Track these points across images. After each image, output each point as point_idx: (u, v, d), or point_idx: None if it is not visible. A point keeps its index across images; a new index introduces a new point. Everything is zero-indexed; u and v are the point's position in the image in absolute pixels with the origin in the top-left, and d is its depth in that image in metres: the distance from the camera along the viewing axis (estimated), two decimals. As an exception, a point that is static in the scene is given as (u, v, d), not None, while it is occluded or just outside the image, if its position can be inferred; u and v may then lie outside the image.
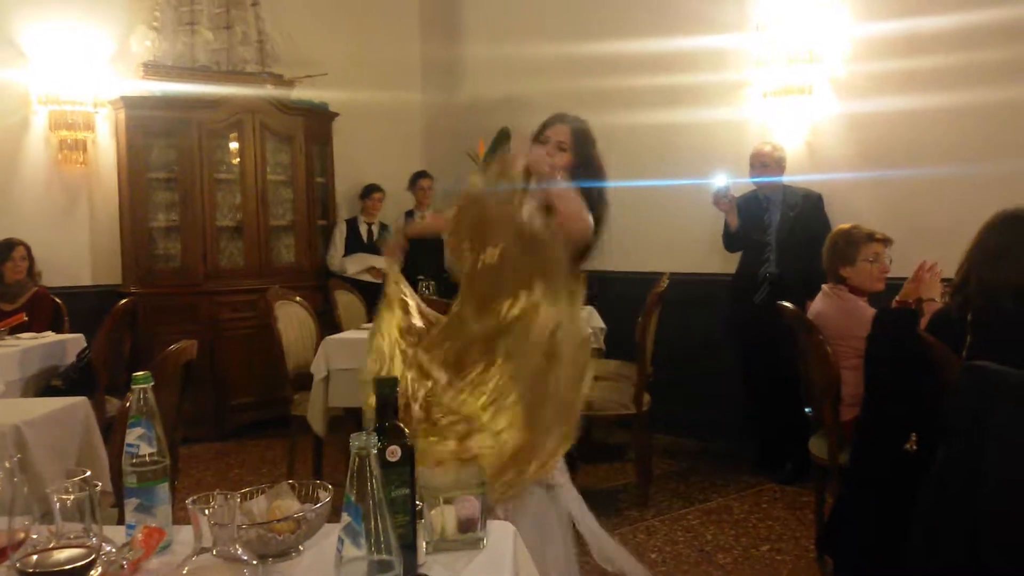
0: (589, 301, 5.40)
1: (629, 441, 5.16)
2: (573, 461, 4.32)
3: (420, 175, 6.77)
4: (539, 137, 2.84)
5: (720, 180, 4.82)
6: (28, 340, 4.57)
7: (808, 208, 4.81)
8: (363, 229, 6.71)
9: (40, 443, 2.58)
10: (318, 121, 6.65)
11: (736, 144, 5.17)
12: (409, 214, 6.76)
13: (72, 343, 4.76)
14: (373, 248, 6.63)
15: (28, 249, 5.15)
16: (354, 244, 6.64)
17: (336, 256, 6.62)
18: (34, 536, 1.21)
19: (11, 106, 5.87)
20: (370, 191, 6.72)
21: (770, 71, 5.13)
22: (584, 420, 4.33)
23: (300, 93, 6.59)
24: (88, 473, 1.31)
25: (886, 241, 3.67)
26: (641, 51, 5.66)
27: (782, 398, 4.55)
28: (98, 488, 1.27)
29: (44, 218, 5.95)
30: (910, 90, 4.68)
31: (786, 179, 4.90)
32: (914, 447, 2.87)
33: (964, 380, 2.48)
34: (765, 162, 4.83)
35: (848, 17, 4.91)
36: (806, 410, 3.90)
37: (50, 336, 4.75)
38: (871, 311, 3.43)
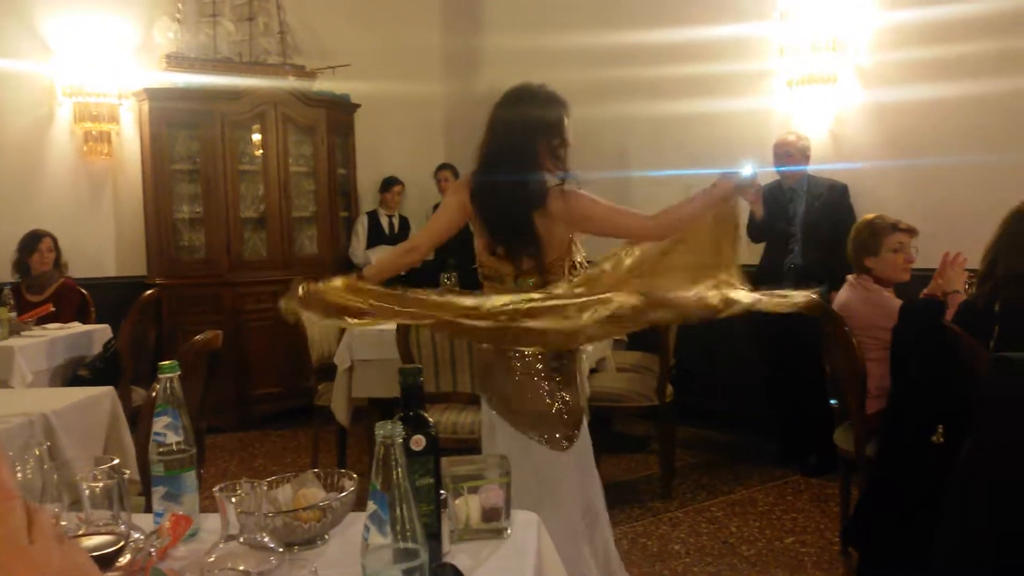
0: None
1: (652, 432, 5.14)
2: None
3: (443, 167, 6.77)
4: (564, 141, 2.65)
5: (747, 169, 4.77)
6: (55, 330, 4.63)
7: (833, 198, 4.77)
8: (384, 222, 6.72)
9: (68, 432, 2.61)
10: (340, 112, 6.67)
11: (760, 134, 5.12)
12: (435, 207, 6.78)
13: (98, 333, 4.81)
14: (396, 240, 6.63)
15: (54, 240, 5.19)
16: (376, 237, 6.65)
17: (359, 248, 6.63)
18: (64, 523, 1.22)
19: (36, 98, 5.92)
20: (389, 184, 6.72)
21: (794, 60, 5.08)
22: (605, 411, 4.35)
23: (322, 84, 6.60)
24: (116, 461, 1.32)
25: (910, 231, 3.62)
26: (664, 40, 5.63)
27: (806, 390, 4.52)
28: (126, 476, 1.28)
29: (70, 209, 6.01)
30: (936, 78, 4.62)
31: (811, 169, 4.85)
32: (941, 439, 2.84)
33: (992, 371, 2.45)
34: (789, 152, 4.78)
35: (872, 4, 4.85)
36: (831, 402, 3.88)
37: (76, 327, 4.80)
38: (897, 302, 3.41)
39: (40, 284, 5.12)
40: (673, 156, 5.60)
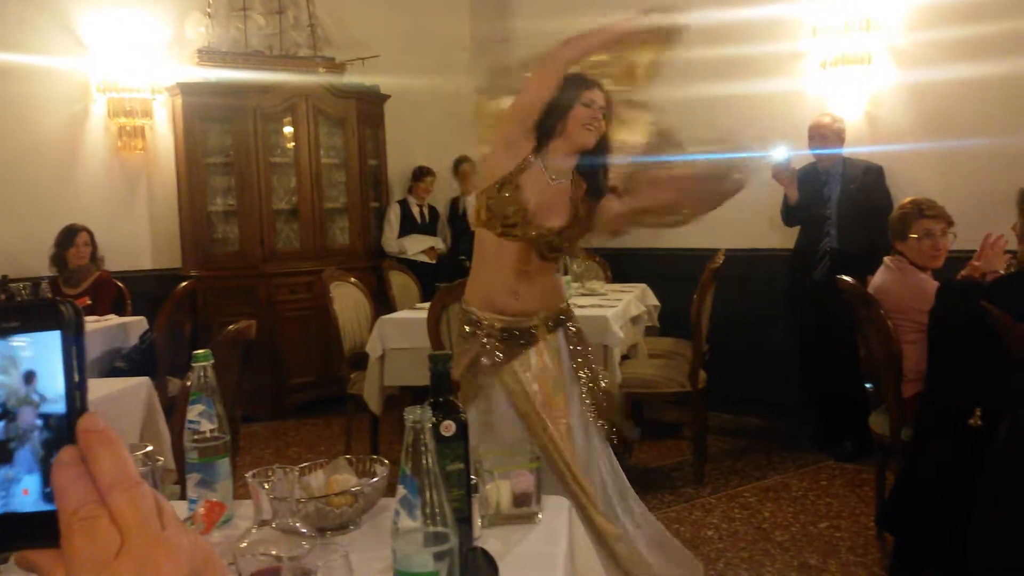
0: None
1: (685, 419, 5.12)
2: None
3: (463, 160, 6.78)
4: (582, 100, 2.79)
5: (780, 153, 4.73)
6: (92, 323, 4.68)
7: (868, 181, 4.70)
8: (415, 210, 6.73)
9: (104, 421, 2.64)
10: (370, 104, 6.69)
11: (793, 116, 5.06)
12: (455, 200, 6.85)
13: (134, 325, 4.86)
14: (426, 229, 6.67)
15: (91, 235, 5.26)
16: (407, 225, 6.68)
17: (392, 237, 6.66)
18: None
19: (72, 94, 6.00)
20: (422, 174, 6.73)
21: (827, 40, 5.02)
22: (637, 398, 4.34)
23: (352, 76, 6.61)
24: (150, 448, 1.34)
25: (940, 219, 3.53)
26: (695, 22, 5.55)
27: (841, 374, 4.48)
28: (160, 463, 1.30)
29: (105, 204, 6.09)
30: (972, 58, 4.54)
31: (846, 151, 4.79)
32: (979, 422, 2.80)
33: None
34: (824, 134, 4.72)
35: (907, -17, 4.78)
36: (866, 386, 3.84)
37: (113, 319, 4.87)
38: (934, 284, 3.35)
39: (77, 278, 5.19)
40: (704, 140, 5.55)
